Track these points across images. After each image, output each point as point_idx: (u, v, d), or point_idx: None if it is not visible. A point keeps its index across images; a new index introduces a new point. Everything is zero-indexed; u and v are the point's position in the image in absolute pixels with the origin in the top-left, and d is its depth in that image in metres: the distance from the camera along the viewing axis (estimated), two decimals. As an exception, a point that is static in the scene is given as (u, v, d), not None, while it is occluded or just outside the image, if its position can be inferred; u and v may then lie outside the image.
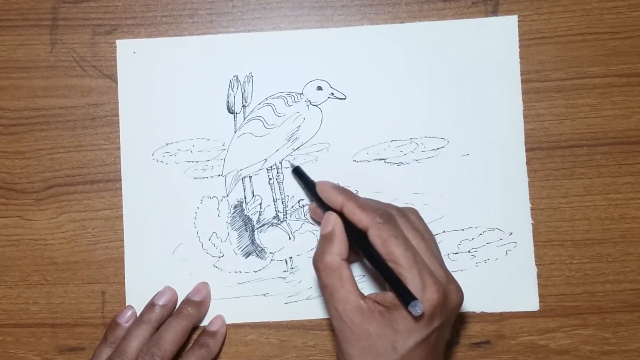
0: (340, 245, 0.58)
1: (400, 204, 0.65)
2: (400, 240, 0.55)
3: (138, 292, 0.66)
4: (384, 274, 0.55)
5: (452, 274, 0.58)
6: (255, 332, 0.66)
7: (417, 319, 0.53)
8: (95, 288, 0.66)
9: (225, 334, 0.65)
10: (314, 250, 0.59)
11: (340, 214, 0.59)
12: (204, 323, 0.65)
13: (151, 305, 0.64)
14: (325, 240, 0.58)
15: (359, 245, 0.58)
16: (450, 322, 0.58)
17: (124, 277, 0.66)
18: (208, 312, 0.66)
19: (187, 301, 0.65)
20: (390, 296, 0.55)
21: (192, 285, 0.65)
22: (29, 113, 0.67)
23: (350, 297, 0.55)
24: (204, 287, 0.65)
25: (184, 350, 0.64)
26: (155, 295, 0.65)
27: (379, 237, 0.56)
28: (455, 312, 0.57)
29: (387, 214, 0.57)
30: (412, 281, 0.54)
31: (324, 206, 0.61)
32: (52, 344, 0.66)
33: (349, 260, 0.59)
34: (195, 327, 0.65)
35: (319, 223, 0.63)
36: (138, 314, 0.64)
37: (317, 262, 0.58)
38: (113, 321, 0.64)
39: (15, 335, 0.66)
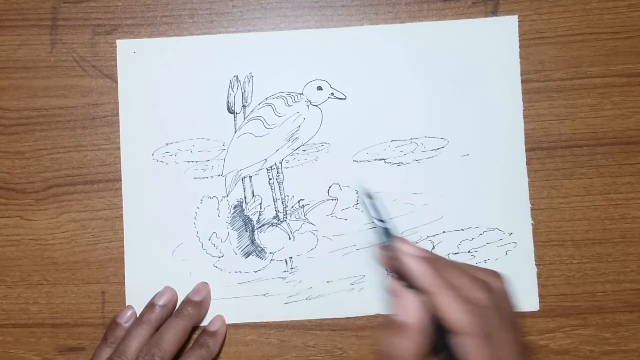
0: (419, 341, 0.47)
1: (401, 205, 0.65)
2: None
3: (138, 292, 0.66)
4: None
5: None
6: (255, 332, 0.66)
7: None
8: (95, 288, 0.66)
9: (225, 333, 0.65)
10: (382, 336, 0.49)
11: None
12: (204, 323, 0.65)
13: (151, 305, 0.64)
14: (401, 332, 0.48)
15: (439, 341, 0.48)
16: None
17: (124, 277, 0.66)
18: (208, 311, 0.66)
19: (187, 301, 0.65)
20: None
21: (192, 285, 0.65)
22: (29, 113, 0.67)
23: None
24: (203, 287, 0.65)
25: (184, 350, 0.64)
26: (155, 295, 0.65)
27: (475, 353, 0.46)
28: None
29: (485, 312, 0.47)
30: None
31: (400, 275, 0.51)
32: (52, 344, 0.66)
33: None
34: (195, 327, 0.65)
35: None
36: (138, 314, 0.64)
37: (386, 356, 0.48)
38: (113, 321, 0.64)
39: (15, 335, 0.66)
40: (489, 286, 0.50)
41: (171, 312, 0.65)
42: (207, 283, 0.66)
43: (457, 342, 0.46)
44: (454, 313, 0.46)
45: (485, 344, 0.46)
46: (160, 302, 0.64)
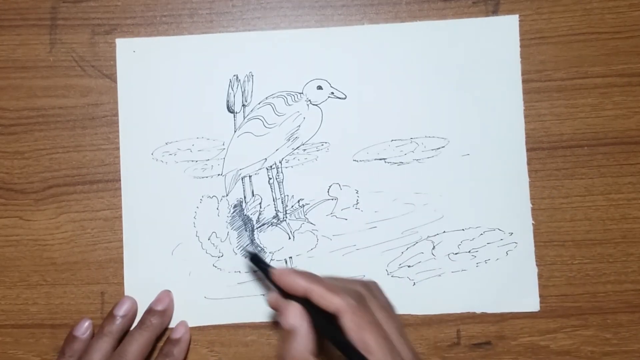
0: (308, 340, 0.54)
1: (401, 204, 0.65)
2: (375, 328, 0.53)
3: (137, 292, 0.65)
4: None
5: (453, 274, 0.58)
6: (256, 333, 0.65)
7: None
8: (95, 288, 0.66)
9: (190, 339, 0.65)
10: (281, 347, 0.55)
11: (301, 299, 0.55)
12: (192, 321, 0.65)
13: (111, 316, 0.63)
14: (291, 336, 0.54)
15: (326, 332, 0.54)
16: None
17: (123, 278, 0.66)
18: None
19: (150, 311, 0.64)
20: None
21: (191, 285, 0.65)
22: (28, 113, 0.67)
23: None
24: (166, 295, 0.65)
25: None
26: (115, 306, 0.64)
27: (354, 323, 0.52)
28: None
29: (358, 294, 0.55)
30: None
31: (285, 294, 0.57)
32: (51, 344, 0.66)
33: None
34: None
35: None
36: (126, 319, 0.64)
37: None
38: (69, 334, 0.64)
39: (14, 336, 0.66)
40: (362, 281, 0.59)
41: (132, 321, 0.64)
42: (169, 291, 0.65)
43: (341, 324, 0.53)
44: (327, 298, 0.53)
45: (361, 315, 0.52)
46: (121, 312, 0.64)
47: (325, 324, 0.54)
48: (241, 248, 0.65)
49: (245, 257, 0.65)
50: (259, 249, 0.66)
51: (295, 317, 0.54)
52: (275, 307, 0.59)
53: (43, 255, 0.66)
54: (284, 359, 0.54)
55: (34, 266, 0.66)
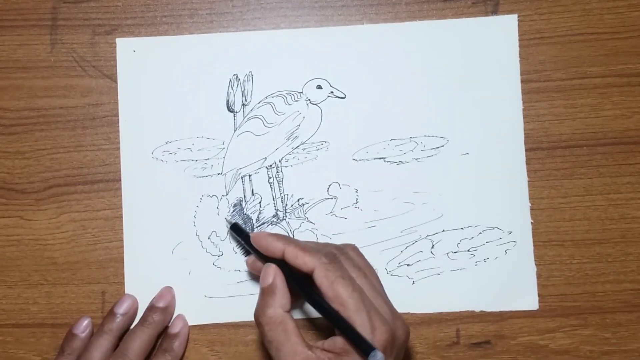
0: (282, 297, 0.57)
1: (400, 203, 0.65)
2: (347, 281, 0.55)
3: (138, 291, 0.65)
4: (333, 320, 0.54)
5: (452, 273, 0.58)
6: (255, 332, 0.65)
7: None
8: (95, 288, 0.66)
9: (188, 333, 0.65)
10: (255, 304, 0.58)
11: (279, 263, 0.58)
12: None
13: (112, 314, 0.64)
14: (266, 294, 0.57)
15: (304, 292, 0.57)
16: (399, 359, 0.57)
17: (123, 277, 0.66)
18: (197, 311, 0.66)
19: (151, 308, 0.64)
20: (339, 341, 0.54)
21: (191, 284, 0.65)
22: (29, 113, 0.67)
23: (298, 349, 0.54)
24: (168, 292, 0.65)
25: (148, 357, 0.64)
26: (115, 304, 0.64)
27: (326, 279, 0.55)
28: (403, 347, 0.57)
29: (331, 253, 0.57)
30: (361, 324, 0.53)
31: (263, 258, 0.60)
32: (52, 344, 0.66)
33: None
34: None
35: (257, 277, 0.61)
36: (127, 317, 0.64)
37: (260, 316, 0.56)
38: (69, 332, 0.64)
39: (15, 335, 0.66)
40: (338, 244, 0.60)
41: (132, 320, 0.64)
42: (171, 288, 0.66)
43: (314, 281, 0.55)
44: (300, 257, 0.56)
45: (333, 271, 0.55)
46: (121, 310, 0.64)
47: (300, 283, 0.57)
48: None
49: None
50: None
51: (271, 276, 0.57)
52: (253, 269, 0.63)
53: (44, 255, 0.66)
54: (260, 316, 0.56)
55: (35, 266, 0.66)
